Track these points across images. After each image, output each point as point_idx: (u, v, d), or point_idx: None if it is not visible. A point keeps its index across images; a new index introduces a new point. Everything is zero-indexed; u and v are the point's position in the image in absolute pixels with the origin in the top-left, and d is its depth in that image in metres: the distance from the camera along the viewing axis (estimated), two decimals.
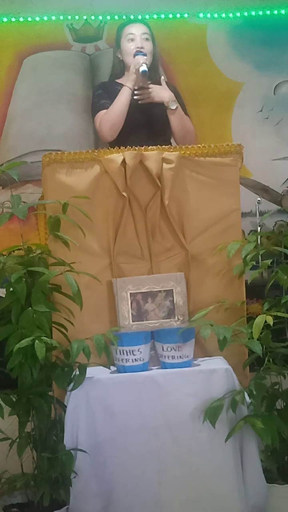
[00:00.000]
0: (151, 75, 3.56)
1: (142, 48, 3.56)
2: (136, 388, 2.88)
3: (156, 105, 3.58)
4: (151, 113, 3.59)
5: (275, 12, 5.20)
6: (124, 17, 4.66)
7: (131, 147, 3.17)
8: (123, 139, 3.44)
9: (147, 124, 3.58)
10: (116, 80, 3.69)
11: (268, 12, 5.19)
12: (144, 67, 3.45)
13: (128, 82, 3.50)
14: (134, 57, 3.53)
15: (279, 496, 2.91)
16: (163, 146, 3.23)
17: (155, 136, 3.52)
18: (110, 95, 3.57)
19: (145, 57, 3.51)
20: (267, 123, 5.16)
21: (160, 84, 3.57)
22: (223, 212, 3.22)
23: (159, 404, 2.87)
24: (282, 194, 5.14)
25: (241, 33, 5.13)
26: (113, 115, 3.49)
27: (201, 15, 5.10)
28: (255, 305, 3.36)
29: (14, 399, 2.86)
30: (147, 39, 3.61)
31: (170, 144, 3.57)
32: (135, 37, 3.60)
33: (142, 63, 3.46)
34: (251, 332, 2.83)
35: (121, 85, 3.57)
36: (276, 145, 5.15)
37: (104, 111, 3.54)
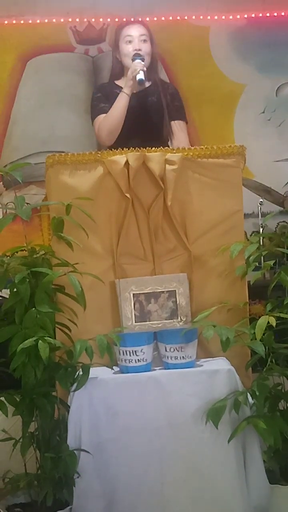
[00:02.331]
0: (150, 76, 3.54)
1: (139, 50, 3.52)
2: (139, 388, 2.88)
3: (153, 109, 3.57)
4: (149, 117, 3.58)
5: (277, 14, 5.22)
6: (124, 19, 4.66)
7: (134, 149, 3.18)
8: (122, 144, 3.41)
9: (144, 129, 3.54)
10: (115, 82, 3.67)
11: (270, 14, 5.20)
12: (140, 75, 3.40)
13: (125, 88, 3.47)
14: (132, 61, 3.48)
15: (282, 497, 2.91)
16: (166, 148, 3.24)
17: (153, 140, 3.46)
18: (108, 98, 3.56)
19: (142, 62, 3.46)
20: (269, 124, 5.17)
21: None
22: (226, 213, 3.22)
23: (162, 404, 2.87)
24: (284, 195, 5.15)
25: (243, 35, 5.15)
26: (111, 121, 3.48)
27: (203, 17, 5.11)
28: (258, 306, 3.36)
29: (17, 399, 2.87)
30: (144, 40, 3.57)
31: (168, 146, 3.57)
32: (133, 39, 3.56)
33: (139, 70, 3.40)
34: (254, 333, 2.83)
35: (120, 88, 3.55)
36: (278, 146, 5.16)
37: (103, 115, 3.53)
